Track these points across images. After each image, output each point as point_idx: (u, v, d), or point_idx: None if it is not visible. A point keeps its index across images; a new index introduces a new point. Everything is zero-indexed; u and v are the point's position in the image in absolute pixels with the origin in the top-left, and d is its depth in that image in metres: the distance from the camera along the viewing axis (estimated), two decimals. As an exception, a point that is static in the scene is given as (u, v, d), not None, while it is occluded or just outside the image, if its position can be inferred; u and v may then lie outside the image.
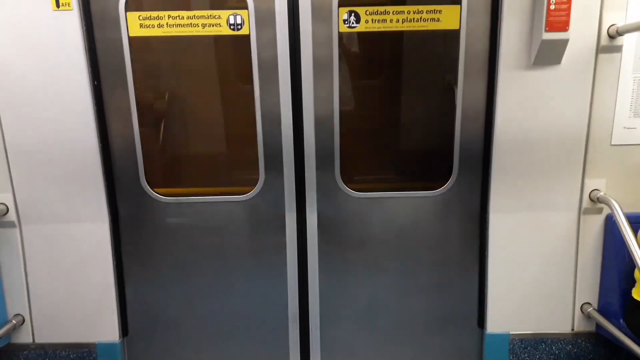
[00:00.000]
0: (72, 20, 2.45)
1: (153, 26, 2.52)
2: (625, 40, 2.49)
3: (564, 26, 2.37)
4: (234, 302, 2.92)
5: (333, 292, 2.90)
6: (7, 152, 2.63)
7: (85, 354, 2.89)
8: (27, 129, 2.59)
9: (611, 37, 2.48)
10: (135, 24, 2.52)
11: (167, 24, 2.51)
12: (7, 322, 2.81)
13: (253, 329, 2.95)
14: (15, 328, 2.83)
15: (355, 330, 2.96)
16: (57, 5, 2.43)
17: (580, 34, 2.45)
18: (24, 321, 2.85)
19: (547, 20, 2.35)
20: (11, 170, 2.66)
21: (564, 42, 2.41)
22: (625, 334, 2.58)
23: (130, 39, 2.54)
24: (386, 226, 2.83)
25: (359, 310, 2.93)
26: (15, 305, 2.83)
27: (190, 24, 2.52)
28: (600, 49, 2.50)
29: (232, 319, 2.95)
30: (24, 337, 2.88)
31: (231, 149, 2.93)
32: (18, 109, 2.57)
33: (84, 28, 2.48)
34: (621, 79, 2.55)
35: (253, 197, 2.76)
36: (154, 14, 2.50)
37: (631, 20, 2.47)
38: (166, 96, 2.87)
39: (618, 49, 2.51)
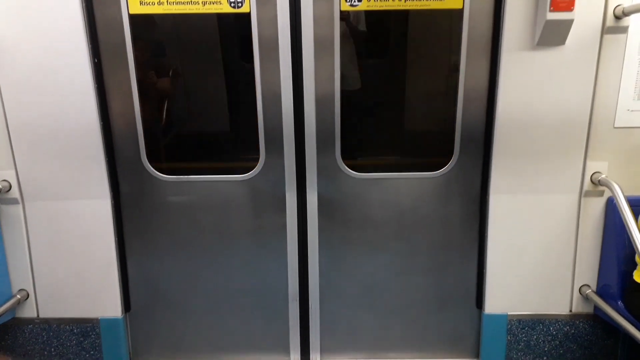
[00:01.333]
0: None
1: (153, 3, 2.49)
2: (632, 21, 2.44)
3: (568, 6, 2.32)
4: (234, 280, 2.95)
5: (333, 272, 2.92)
6: (9, 130, 2.64)
7: (88, 329, 2.94)
8: (28, 107, 2.59)
9: (617, 17, 2.43)
10: (135, 2, 2.49)
11: (167, 1, 2.49)
12: (11, 297, 2.85)
13: (253, 307, 2.99)
14: (19, 303, 2.88)
15: (354, 310, 2.99)
16: (57, -17, 2.42)
17: (586, 14, 2.41)
18: (28, 296, 2.90)
19: (552, 0, 2.31)
20: (14, 147, 2.67)
21: (569, 23, 2.37)
22: (623, 315, 2.59)
23: (131, 16, 2.52)
24: (386, 207, 2.83)
25: (358, 290, 2.96)
26: (20, 280, 2.87)
27: (191, 1, 2.49)
28: (605, 30, 2.46)
29: (233, 297, 2.98)
30: (28, 311, 2.93)
31: (232, 128, 2.93)
32: (19, 86, 2.56)
33: (84, 5, 2.46)
34: (626, 61, 2.51)
35: (253, 176, 2.77)
36: (154, -10, 2.48)
37: (638, 0, 2.42)
38: (169, 73, 2.87)
39: (624, 29, 2.46)
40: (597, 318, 2.87)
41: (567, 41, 2.44)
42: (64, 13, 2.45)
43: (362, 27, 2.74)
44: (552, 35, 2.41)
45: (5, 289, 2.84)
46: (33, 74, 2.54)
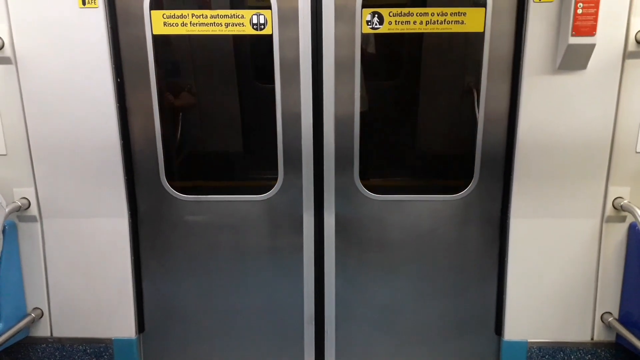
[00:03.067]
0: (97, 17, 2.47)
1: (177, 25, 2.53)
2: (654, 46, 2.45)
3: (590, 31, 2.33)
4: (250, 301, 2.92)
5: (349, 294, 2.89)
6: (31, 147, 2.66)
7: (102, 349, 2.91)
8: (50, 125, 2.62)
9: (639, 42, 2.43)
10: (159, 23, 2.53)
11: (190, 22, 2.52)
12: (26, 315, 2.84)
13: (268, 329, 2.95)
14: (34, 321, 2.86)
15: (370, 333, 2.95)
16: (83, 3, 2.45)
17: (607, 38, 2.41)
18: (42, 315, 2.88)
19: (573, 25, 2.32)
20: (34, 165, 2.69)
21: (591, 47, 2.37)
22: (647, 344, 2.54)
23: (154, 37, 2.55)
24: (404, 229, 2.81)
25: (375, 313, 2.92)
26: (35, 298, 2.86)
27: (214, 23, 2.52)
28: (627, 55, 2.46)
29: (248, 318, 2.95)
30: (42, 330, 2.91)
31: (252, 148, 2.93)
32: (42, 104, 2.59)
33: (109, 26, 2.50)
34: (648, 86, 2.51)
35: (271, 196, 2.76)
36: (178, 12, 2.51)
37: (660, 26, 2.42)
38: (188, 94, 2.88)
39: None
40: (619, 347, 2.80)
41: (589, 65, 2.45)
42: (88, 32, 2.49)
43: (372, 49, 2.75)
44: (574, 59, 2.42)
45: (21, 307, 2.83)
46: (56, 91, 2.57)
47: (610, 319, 2.76)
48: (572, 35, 2.33)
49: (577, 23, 2.32)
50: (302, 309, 2.91)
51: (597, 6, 2.31)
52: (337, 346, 2.96)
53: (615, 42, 2.44)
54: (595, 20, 2.32)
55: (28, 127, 2.63)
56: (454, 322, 2.92)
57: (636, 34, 2.43)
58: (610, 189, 2.63)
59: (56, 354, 2.94)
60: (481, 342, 2.93)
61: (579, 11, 2.30)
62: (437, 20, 2.49)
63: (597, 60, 2.44)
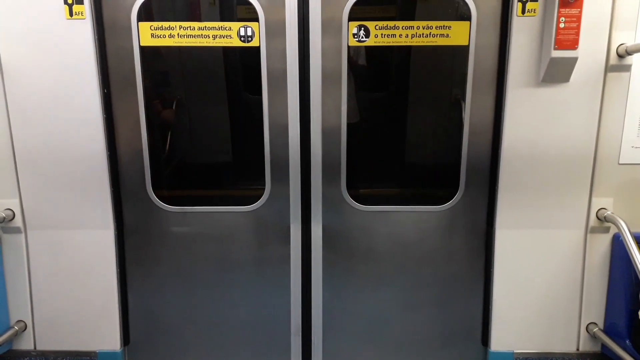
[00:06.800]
0: (84, 28, 2.48)
1: (164, 36, 2.54)
2: (635, 60, 2.50)
3: (573, 44, 2.38)
4: (236, 313, 2.91)
5: (336, 305, 2.88)
6: (16, 158, 2.64)
7: (86, 363, 2.89)
8: (36, 135, 2.61)
9: (620, 56, 2.49)
10: (147, 34, 2.53)
11: (178, 34, 2.53)
12: (9, 328, 2.80)
13: (255, 340, 2.94)
14: (17, 334, 2.82)
15: (357, 344, 2.94)
16: (70, 14, 2.46)
17: (590, 52, 2.46)
18: (26, 327, 2.85)
19: (556, 38, 2.37)
20: (19, 176, 2.67)
21: (573, 60, 2.42)
22: (631, 354, 2.56)
23: (141, 48, 2.56)
24: (391, 240, 2.82)
25: (362, 324, 2.92)
26: (18, 311, 2.83)
27: (201, 34, 2.53)
28: (609, 68, 2.50)
29: (235, 330, 2.93)
30: (25, 343, 2.88)
31: (239, 159, 2.93)
32: (28, 115, 2.58)
33: (96, 37, 2.50)
34: (630, 98, 2.55)
35: (258, 207, 2.76)
36: (165, 24, 2.52)
37: (640, 40, 2.47)
38: (175, 105, 2.89)
39: (627, 68, 2.51)
40: (605, 357, 2.82)
41: (572, 78, 2.49)
42: (75, 42, 2.49)
43: (362, 60, 2.78)
44: (557, 72, 2.46)
45: (3, 320, 2.79)
46: (42, 102, 2.56)
47: (596, 329, 2.78)
48: (555, 48, 2.38)
49: (560, 37, 2.36)
50: (289, 320, 2.90)
51: (579, 20, 2.36)
52: (324, 357, 2.94)
53: (597, 56, 2.49)
54: (577, 34, 2.36)
55: (13, 138, 2.61)
56: (441, 333, 2.92)
57: (618, 47, 2.48)
58: (594, 200, 2.66)
59: (39, 367, 2.91)
60: (468, 353, 2.94)
61: (562, 25, 2.35)
62: (423, 34, 2.52)
63: (580, 73, 2.48)
